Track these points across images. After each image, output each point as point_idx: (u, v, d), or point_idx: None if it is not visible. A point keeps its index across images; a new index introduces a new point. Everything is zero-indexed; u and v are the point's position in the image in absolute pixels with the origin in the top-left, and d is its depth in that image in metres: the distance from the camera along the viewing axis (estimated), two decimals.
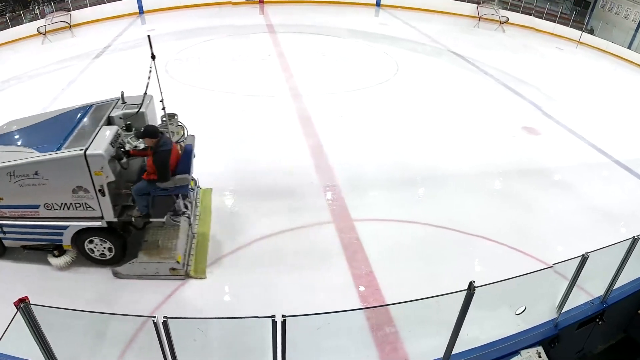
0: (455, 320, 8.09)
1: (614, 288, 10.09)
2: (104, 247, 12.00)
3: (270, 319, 7.10)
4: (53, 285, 12.03)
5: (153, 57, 11.58)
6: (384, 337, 10.12)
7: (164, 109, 11.97)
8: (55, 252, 12.24)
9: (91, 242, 11.94)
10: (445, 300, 7.77)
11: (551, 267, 9.00)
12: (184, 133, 13.27)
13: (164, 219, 11.81)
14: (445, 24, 38.74)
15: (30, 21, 41.32)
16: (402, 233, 13.62)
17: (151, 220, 11.82)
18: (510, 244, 13.29)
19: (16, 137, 12.17)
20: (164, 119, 12.38)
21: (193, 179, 13.58)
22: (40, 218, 11.67)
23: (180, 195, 12.02)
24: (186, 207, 12.52)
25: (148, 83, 11.78)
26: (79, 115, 12.09)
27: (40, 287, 11.93)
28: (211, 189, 15.13)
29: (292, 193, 15.18)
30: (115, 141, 11.11)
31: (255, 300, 11.31)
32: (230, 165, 16.76)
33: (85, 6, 40.78)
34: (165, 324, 7.05)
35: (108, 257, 12.16)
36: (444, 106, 22.10)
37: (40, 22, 39.79)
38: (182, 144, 12.79)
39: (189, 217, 12.51)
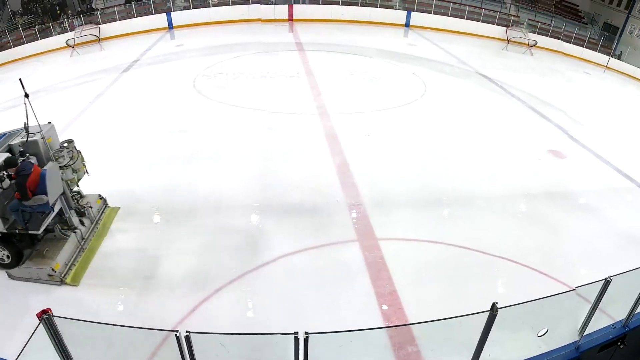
0: (478, 340, 8.24)
1: (636, 312, 10.13)
2: (3, 254, 13.52)
3: (292, 336, 7.22)
4: (76, 296, 12.58)
5: (26, 95, 12.83)
6: (406, 356, 10.26)
7: (26, 129, 13.17)
8: None
9: None
10: (467, 320, 7.92)
11: (574, 290, 9.14)
12: (78, 157, 14.72)
13: (39, 232, 13.17)
14: (474, 46, 39.03)
15: (59, 34, 42.01)
16: (426, 253, 13.76)
17: (30, 232, 13.19)
18: (533, 266, 13.39)
19: None
20: (65, 144, 14.55)
21: (102, 198, 15.95)
22: None
23: (68, 211, 14.21)
24: (82, 222, 14.71)
25: (27, 116, 12.69)
26: None
27: (62, 298, 12.56)
28: (118, 207, 16.21)
29: (318, 211, 15.37)
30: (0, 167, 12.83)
31: (278, 316, 11.53)
32: (257, 182, 16.98)
33: (114, 20, 41.64)
34: (187, 338, 7.23)
35: (7, 262, 13.62)
36: (470, 127, 22.25)
37: (69, 35, 40.44)
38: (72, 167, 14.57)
39: (80, 232, 14.36)
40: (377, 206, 15.69)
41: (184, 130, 21.01)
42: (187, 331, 7.13)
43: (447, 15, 43.32)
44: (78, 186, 15.38)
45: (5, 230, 13.15)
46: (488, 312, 7.77)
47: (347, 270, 12.97)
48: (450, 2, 44.11)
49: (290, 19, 41.84)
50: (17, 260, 13.66)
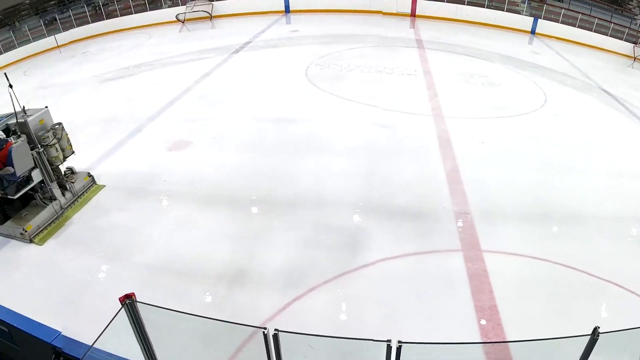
0: None
1: None
2: None
3: (385, 343, 7.26)
4: (162, 282, 13.29)
5: (10, 86, 16.17)
6: None
7: (24, 111, 16.82)
8: None
9: None
10: (567, 343, 7.85)
11: None
12: (62, 137, 17.84)
13: (14, 197, 16.77)
14: (599, 60, 37.99)
15: (170, 7, 43.22)
16: (530, 269, 13.64)
17: (8, 196, 16.83)
18: None
19: None
20: (56, 126, 17.59)
21: (90, 175, 19.20)
22: None
23: (49, 183, 17.56)
24: (63, 194, 18.09)
25: (12, 101, 15.93)
26: None
27: (148, 283, 13.32)
28: (104, 185, 18.97)
29: (423, 216, 15.42)
30: None
31: (372, 322, 11.66)
32: (363, 180, 17.17)
33: None
34: (275, 337, 7.35)
35: None
36: (589, 144, 21.73)
37: (180, 9, 41.61)
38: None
39: (59, 202, 17.81)
40: (485, 216, 15.62)
41: (291, 119, 21.52)
42: (275, 329, 7.27)
43: (575, 26, 42.47)
44: (62, 162, 18.17)
45: None
46: (589, 336, 7.66)
47: (448, 280, 12.98)
48: (579, 12, 43.27)
49: (413, 14, 41.78)
50: (3, 220, 17.50)
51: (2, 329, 10.85)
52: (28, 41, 53.09)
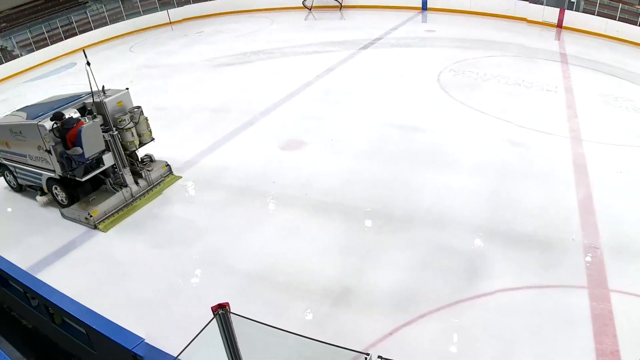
0: None
1: None
2: (63, 195, 19.54)
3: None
4: (260, 293, 13.92)
5: (88, 64, 18.04)
6: None
7: (103, 91, 19.19)
8: (39, 192, 20.82)
9: (56, 189, 19.65)
10: None
11: None
12: (139, 121, 19.47)
13: (82, 179, 18.31)
14: None
15: None
16: None
17: (77, 178, 18.38)
18: None
19: (31, 108, 20.50)
20: (135, 109, 19.50)
21: (167, 165, 20.94)
22: (28, 165, 20.13)
23: (122, 169, 19.28)
24: (136, 182, 19.88)
25: (90, 82, 17.95)
26: (69, 101, 19.61)
27: (245, 292, 13.99)
28: (180, 177, 20.82)
29: (549, 246, 15.42)
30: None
31: (484, 356, 11.91)
32: (487, 200, 17.43)
33: None
34: None
35: (66, 203, 19.58)
36: None
37: None
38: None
39: (130, 190, 19.57)
40: (617, 253, 15.41)
41: (417, 127, 22.00)
42: (379, 357, 7.15)
43: None
44: (138, 148, 20.04)
45: (62, 174, 18.76)
46: None
47: (569, 318, 13.01)
48: None
49: (559, 25, 41.43)
50: (71, 202, 19.47)
51: (80, 330, 11.08)
52: (137, 14, 54.76)
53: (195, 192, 20.00)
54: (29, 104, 21.79)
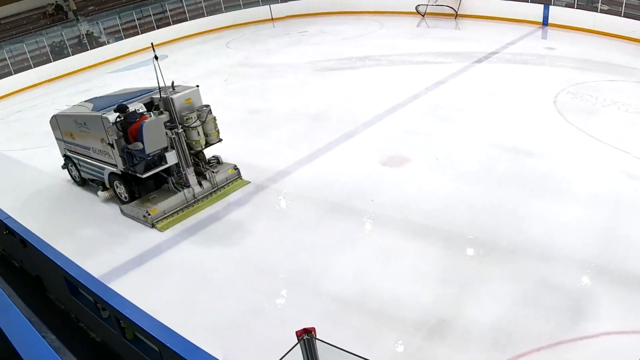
0: None
1: None
2: (124, 191, 21.08)
3: None
4: (348, 319, 14.17)
5: (156, 57, 19.04)
6: None
7: (173, 85, 20.81)
8: (101, 187, 22.57)
9: (118, 184, 21.24)
10: None
11: None
12: (206, 121, 20.70)
13: (142, 175, 19.68)
14: None
15: None
16: None
17: (138, 175, 19.79)
18: None
19: (99, 100, 22.60)
20: (203, 107, 20.69)
21: (236, 168, 22.09)
22: (91, 158, 21.88)
23: (185, 169, 20.48)
24: (200, 184, 21.00)
25: (158, 78, 19.04)
26: (138, 94, 21.22)
27: (332, 317, 14.28)
28: (248, 182, 22.00)
29: None
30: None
31: None
32: (599, 236, 17.03)
33: None
34: None
35: (127, 200, 21.14)
36: None
37: (423, 0, 42.95)
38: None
39: (193, 190, 20.70)
40: None
41: (529, 151, 21.97)
42: None
43: None
44: (203, 148, 21.22)
45: (123, 169, 20.16)
46: None
47: None
48: None
49: None
50: (131, 199, 20.86)
51: (153, 347, 10.68)
52: (237, 7, 55.62)
53: (287, 205, 20.51)
54: (97, 95, 24.01)
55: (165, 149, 19.84)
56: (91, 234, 20.28)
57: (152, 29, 56.50)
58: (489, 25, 41.32)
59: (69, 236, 19.90)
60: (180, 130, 19.94)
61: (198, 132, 20.48)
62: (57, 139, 24.42)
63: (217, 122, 21.18)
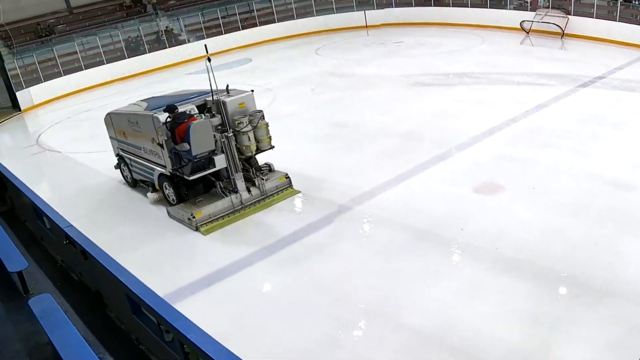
0: None
1: None
2: (172, 193, 22.33)
3: None
4: (430, 356, 14.14)
5: (209, 59, 21.21)
6: None
7: (227, 88, 22.46)
8: (150, 189, 24.13)
9: (166, 186, 22.50)
10: None
11: None
12: (258, 126, 21.73)
13: (189, 177, 20.94)
14: None
15: (515, 9, 44.63)
16: None
17: (185, 177, 21.12)
18: None
19: (154, 99, 24.31)
20: (256, 112, 21.69)
21: (287, 177, 23.15)
22: (142, 158, 23.40)
23: (233, 174, 21.65)
24: (248, 190, 22.07)
25: (210, 79, 20.78)
26: (193, 96, 22.80)
27: (412, 352, 14.29)
28: (298, 191, 23.13)
29: None
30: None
31: None
32: None
33: (589, 16, 42.58)
34: None
35: (175, 203, 22.44)
36: None
37: (527, 16, 42.79)
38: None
39: (240, 196, 21.75)
40: None
41: (631, 186, 21.48)
42: None
43: None
44: (254, 154, 22.28)
45: (172, 171, 21.43)
46: None
47: None
48: None
49: None
50: (179, 202, 22.15)
51: None
52: (330, 10, 55.98)
53: (370, 229, 20.56)
54: (155, 95, 25.87)
55: (213, 152, 20.97)
56: (156, 248, 20.86)
57: (237, 29, 57.06)
58: (597, 47, 40.91)
59: (132, 249, 20.47)
60: (230, 135, 21.10)
61: (249, 137, 21.50)
62: (110, 137, 26.30)
63: (269, 128, 22.26)
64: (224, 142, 20.86)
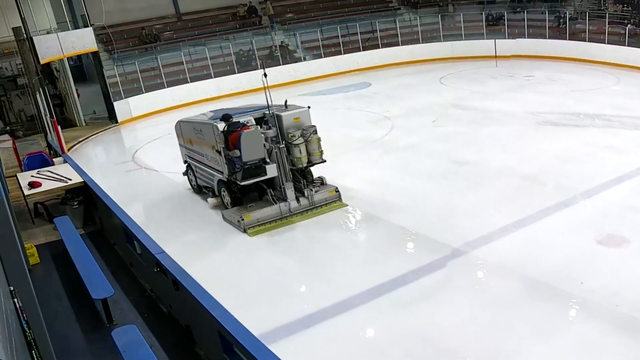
0: None
1: None
2: (228, 198, 25.58)
3: None
4: None
5: (265, 75, 23.66)
6: None
7: (286, 103, 25.92)
8: (211, 194, 27.42)
9: (224, 191, 25.77)
10: None
11: None
12: (310, 140, 24.41)
13: (241, 183, 23.83)
14: None
15: None
16: None
17: (237, 182, 24.03)
18: None
19: (220, 110, 27.02)
20: (311, 127, 24.65)
21: (337, 190, 25.91)
22: (205, 165, 26.79)
23: (284, 183, 24.53)
24: (297, 199, 24.84)
25: (266, 94, 23.77)
26: (255, 109, 25.97)
27: None
28: (346, 205, 25.83)
29: None
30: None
31: None
32: None
33: None
34: None
35: (230, 207, 25.47)
36: None
37: None
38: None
39: (288, 205, 24.52)
40: None
41: None
42: None
43: None
44: (305, 166, 24.70)
45: (228, 177, 24.56)
46: None
47: None
48: None
49: None
50: (232, 204, 25.35)
51: None
52: (458, 37, 55.90)
53: (484, 276, 20.29)
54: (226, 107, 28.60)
55: (264, 161, 23.91)
56: (253, 283, 20.85)
57: (357, 49, 57.17)
58: None
59: (225, 282, 20.69)
60: (282, 146, 24.00)
61: (300, 150, 24.20)
62: (180, 145, 30.34)
63: (321, 142, 24.96)
64: (275, 152, 23.94)
